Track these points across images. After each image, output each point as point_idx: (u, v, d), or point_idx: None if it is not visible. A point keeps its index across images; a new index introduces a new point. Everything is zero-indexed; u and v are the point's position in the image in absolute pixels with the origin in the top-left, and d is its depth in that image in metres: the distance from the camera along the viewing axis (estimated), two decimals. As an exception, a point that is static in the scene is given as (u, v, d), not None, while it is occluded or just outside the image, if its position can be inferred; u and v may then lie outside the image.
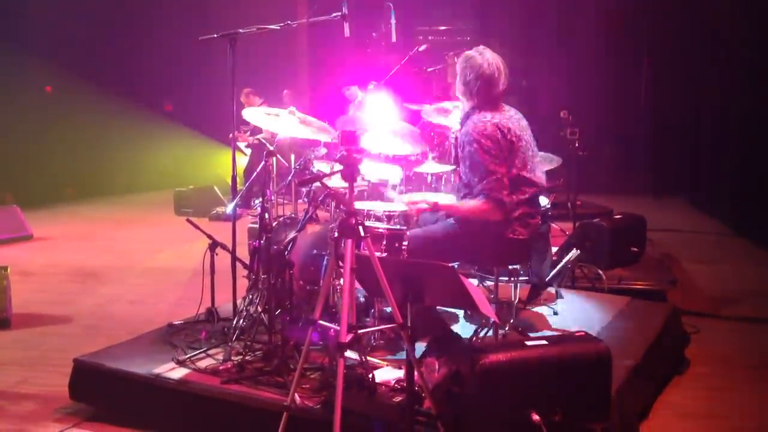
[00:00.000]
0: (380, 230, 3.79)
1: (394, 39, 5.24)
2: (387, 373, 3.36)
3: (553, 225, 6.15)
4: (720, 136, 9.95)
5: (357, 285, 3.02)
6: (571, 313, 4.46)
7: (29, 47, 10.43)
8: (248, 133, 10.00)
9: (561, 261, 4.59)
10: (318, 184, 3.81)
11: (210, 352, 3.72)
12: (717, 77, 10.13)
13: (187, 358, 3.63)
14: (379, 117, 4.36)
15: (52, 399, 3.80)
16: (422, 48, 6.22)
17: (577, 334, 3.04)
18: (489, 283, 4.28)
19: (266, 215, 3.84)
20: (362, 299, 3.84)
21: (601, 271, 5.34)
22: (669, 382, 4.06)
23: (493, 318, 3.24)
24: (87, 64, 11.02)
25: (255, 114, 4.15)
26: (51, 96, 11.63)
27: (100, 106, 11.19)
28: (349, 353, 3.28)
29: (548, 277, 4.40)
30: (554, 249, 5.26)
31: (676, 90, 11.04)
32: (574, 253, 4.60)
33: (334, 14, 4.24)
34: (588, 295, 5.00)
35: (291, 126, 4.05)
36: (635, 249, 5.96)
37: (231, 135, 4.23)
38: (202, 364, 3.58)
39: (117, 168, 12.01)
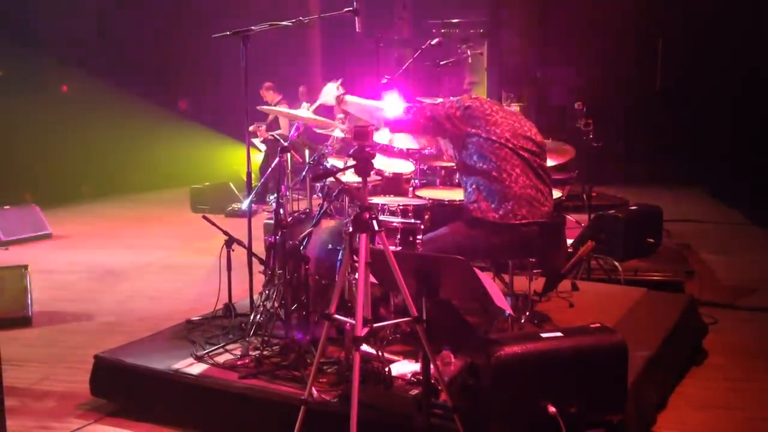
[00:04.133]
0: (394, 224, 3.80)
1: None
2: (403, 367, 3.37)
3: (569, 217, 6.14)
4: (738, 124, 9.87)
5: (372, 279, 3.04)
6: (587, 304, 4.45)
7: (45, 48, 10.53)
8: (265, 127, 10.04)
9: (576, 253, 4.58)
10: (332, 179, 3.83)
11: (228, 347, 3.75)
12: (735, 63, 10.04)
13: (206, 353, 3.67)
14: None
15: (73, 395, 3.86)
16: (435, 41, 6.21)
17: (592, 325, 3.03)
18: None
19: (281, 211, 3.86)
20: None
21: (617, 263, 5.32)
22: (687, 373, 4.04)
23: (509, 310, 3.25)
24: (102, 64, 11.11)
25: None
26: (67, 96, 11.74)
27: (115, 106, 11.27)
28: (365, 347, 3.30)
29: (564, 269, 4.39)
30: (570, 241, 5.25)
31: (692, 77, 10.95)
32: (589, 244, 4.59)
33: (346, 9, 4.26)
34: (604, 287, 4.99)
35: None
36: (651, 240, 5.94)
37: (250, 128, 4.27)
38: (220, 359, 3.61)
39: (133, 166, 12.09)
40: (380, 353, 3.47)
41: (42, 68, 10.75)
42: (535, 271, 4.14)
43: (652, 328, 3.94)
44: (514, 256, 3.78)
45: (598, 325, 3.04)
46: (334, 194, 4.08)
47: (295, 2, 11.53)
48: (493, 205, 3.44)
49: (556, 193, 4.27)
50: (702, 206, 9.39)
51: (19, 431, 3.45)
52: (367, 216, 2.71)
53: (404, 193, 4.33)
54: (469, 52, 8.04)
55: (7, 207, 8.25)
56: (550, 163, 4.74)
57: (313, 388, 3.00)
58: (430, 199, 4.08)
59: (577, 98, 5.64)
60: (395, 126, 3.79)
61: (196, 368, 3.53)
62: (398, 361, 3.46)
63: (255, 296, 4.13)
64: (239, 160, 11.59)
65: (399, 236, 3.77)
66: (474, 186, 3.52)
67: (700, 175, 10.77)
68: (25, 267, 5.18)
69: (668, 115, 11.35)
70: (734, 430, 3.49)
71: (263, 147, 10.15)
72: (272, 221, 3.92)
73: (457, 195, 4.11)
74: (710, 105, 10.69)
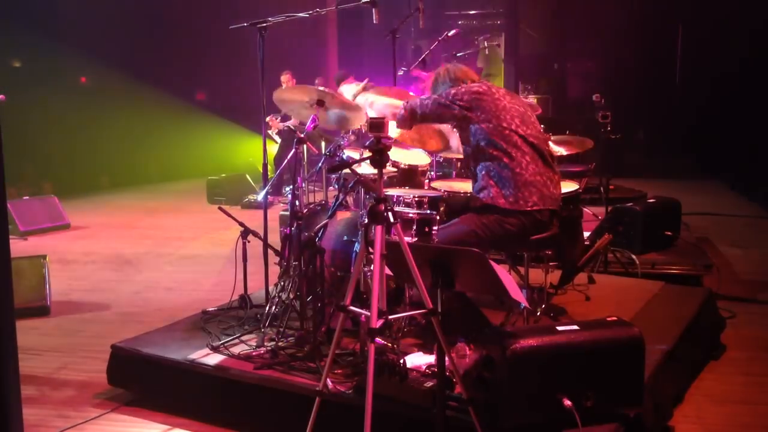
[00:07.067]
0: (410, 216, 3.79)
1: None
2: (418, 359, 3.37)
3: (586, 209, 6.10)
4: (757, 116, 9.74)
5: (387, 271, 3.03)
6: (604, 298, 4.42)
7: (64, 40, 10.59)
8: (279, 119, 10.04)
9: (593, 246, 4.55)
10: (348, 170, 3.83)
11: (243, 338, 3.77)
12: (755, 53, 9.90)
13: (221, 344, 3.69)
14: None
15: (91, 384, 3.89)
16: (452, 33, 6.19)
17: (609, 319, 3.01)
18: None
19: (297, 202, 3.86)
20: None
21: (634, 256, 5.29)
22: (704, 367, 4.01)
23: (524, 303, 3.23)
24: (120, 55, 11.17)
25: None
26: (86, 87, 11.82)
27: (133, 97, 11.34)
28: (380, 339, 3.30)
29: (580, 262, 4.36)
30: (586, 233, 5.22)
31: (711, 68, 10.82)
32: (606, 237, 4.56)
33: (363, 1, 4.25)
34: (621, 280, 4.96)
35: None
36: (669, 233, 5.89)
37: (267, 119, 4.27)
38: (236, 350, 3.63)
39: (151, 157, 12.17)
40: (395, 345, 3.47)
41: (60, 59, 10.82)
42: (551, 263, 4.12)
43: (670, 321, 3.91)
44: (528, 243, 3.75)
45: (615, 318, 3.02)
46: (349, 186, 4.08)
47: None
48: (503, 191, 3.46)
49: (573, 186, 4.25)
50: (721, 199, 9.30)
51: (36, 420, 3.49)
52: (383, 208, 2.70)
53: (420, 185, 4.32)
54: (486, 44, 8.01)
55: (26, 197, 8.35)
56: (566, 152, 4.75)
57: (328, 380, 3.01)
58: (445, 190, 4.07)
59: (595, 90, 5.59)
60: (402, 122, 3.77)
61: (212, 359, 3.55)
62: (413, 353, 3.46)
63: (270, 287, 4.14)
64: (255, 151, 11.62)
65: (414, 228, 3.76)
66: (484, 172, 3.53)
67: (719, 168, 10.66)
68: (44, 257, 5.22)
69: (687, 106, 11.24)
70: (752, 425, 3.45)
71: (278, 138, 10.16)
72: (288, 213, 3.93)
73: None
74: (731, 94, 10.56)
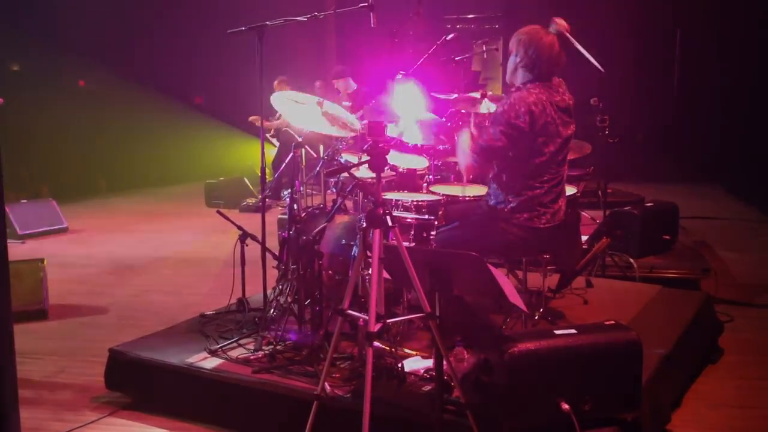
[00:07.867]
0: (408, 220, 3.80)
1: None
2: (416, 363, 3.37)
3: (584, 213, 6.11)
4: (756, 119, 9.76)
5: (385, 275, 3.03)
6: (602, 301, 4.42)
7: (62, 43, 10.59)
8: (275, 117, 9.93)
9: (591, 250, 4.56)
10: (346, 174, 3.83)
11: (241, 341, 3.77)
12: (754, 56, 9.92)
13: (219, 347, 3.69)
14: (407, 106, 4.36)
15: (88, 388, 3.89)
16: (450, 37, 6.19)
17: (607, 323, 3.02)
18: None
19: (295, 206, 3.87)
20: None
21: (632, 260, 5.29)
22: (702, 371, 4.01)
23: (522, 307, 3.23)
24: (119, 58, 11.17)
25: (282, 103, 4.14)
26: (84, 90, 11.81)
27: (131, 100, 11.34)
28: (378, 343, 3.30)
29: (578, 266, 4.37)
30: (584, 237, 5.22)
31: (710, 73, 10.84)
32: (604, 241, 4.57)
33: (361, 5, 4.25)
34: (619, 284, 4.96)
35: (314, 119, 4.01)
36: (667, 237, 5.90)
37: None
38: (234, 353, 3.63)
39: (149, 161, 12.15)
40: (393, 349, 3.47)
41: (59, 62, 10.82)
42: (549, 267, 4.12)
43: (668, 325, 3.91)
44: (530, 253, 3.77)
45: (613, 322, 3.02)
46: (348, 190, 4.08)
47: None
48: (518, 209, 3.50)
49: (571, 189, 4.26)
50: (719, 203, 9.31)
51: (34, 423, 3.48)
52: (381, 212, 2.71)
53: (418, 189, 4.32)
54: (484, 48, 8.02)
55: (24, 201, 8.34)
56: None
57: (326, 384, 3.01)
58: (444, 195, 4.07)
59: (592, 94, 5.58)
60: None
61: (210, 362, 3.55)
62: (411, 356, 3.46)
63: (268, 291, 4.14)
64: (254, 155, 11.62)
65: (413, 232, 3.77)
66: (506, 188, 3.54)
67: (717, 172, 10.67)
68: (42, 260, 5.22)
69: (686, 110, 11.26)
70: (750, 429, 3.46)
71: (276, 142, 10.14)
72: (286, 216, 3.93)
73: (471, 191, 4.09)
74: (728, 99, 10.58)
